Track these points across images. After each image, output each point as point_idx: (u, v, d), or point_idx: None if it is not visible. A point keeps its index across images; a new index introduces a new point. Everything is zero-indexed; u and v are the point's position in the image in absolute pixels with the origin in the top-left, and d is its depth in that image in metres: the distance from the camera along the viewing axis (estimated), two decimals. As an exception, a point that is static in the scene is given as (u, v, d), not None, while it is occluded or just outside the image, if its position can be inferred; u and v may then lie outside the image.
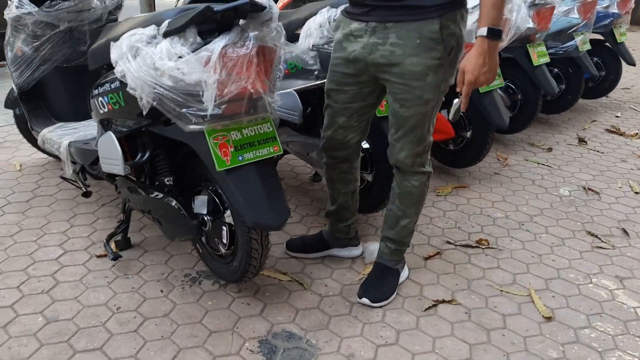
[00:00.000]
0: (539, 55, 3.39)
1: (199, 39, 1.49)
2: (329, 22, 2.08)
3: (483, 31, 1.44)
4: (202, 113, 1.49)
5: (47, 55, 2.36)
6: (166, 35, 1.47)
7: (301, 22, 2.24)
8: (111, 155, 1.71)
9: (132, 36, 1.53)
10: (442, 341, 1.77)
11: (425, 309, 1.92)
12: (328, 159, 1.96)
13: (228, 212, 1.78)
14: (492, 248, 2.36)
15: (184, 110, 1.50)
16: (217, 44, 1.42)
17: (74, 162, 2.22)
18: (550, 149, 3.66)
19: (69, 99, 2.52)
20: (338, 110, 1.79)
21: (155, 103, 1.52)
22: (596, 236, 2.50)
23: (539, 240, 2.45)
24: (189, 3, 2.81)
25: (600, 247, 2.40)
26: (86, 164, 2.05)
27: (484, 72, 1.47)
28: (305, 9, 2.30)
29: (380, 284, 1.95)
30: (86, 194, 2.20)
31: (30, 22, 2.30)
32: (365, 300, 1.90)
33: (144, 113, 1.55)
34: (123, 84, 1.61)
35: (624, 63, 4.49)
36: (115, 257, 2.02)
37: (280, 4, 3.26)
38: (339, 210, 2.06)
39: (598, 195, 2.96)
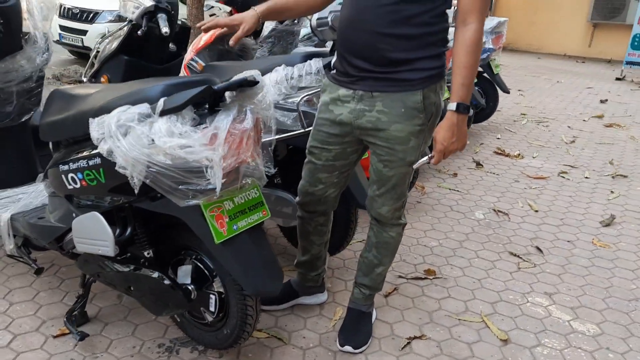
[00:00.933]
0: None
1: (194, 115, 1.48)
2: (287, 80, 2.14)
3: (452, 106, 1.61)
4: (202, 187, 1.48)
5: (-31, 117, 2.13)
6: (163, 114, 1.45)
7: (253, 78, 2.26)
8: (97, 236, 1.60)
9: (122, 114, 1.47)
10: (427, 378, 1.91)
11: (402, 348, 2.05)
12: (305, 213, 2.02)
13: (217, 280, 1.76)
14: (439, 278, 2.56)
15: (181, 186, 1.48)
16: (224, 121, 1.43)
17: (14, 236, 2.03)
18: (455, 174, 4.03)
19: (-6, 165, 2.29)
20: (320, 167, 1.87)
21: (148, 181, 1.48)
22: (518, 256, 2.82)
23: (474, 265, 2.71)
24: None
25: (524, 267, 2.72)
26: (45, 241, 1.88)
27: (453, 142, 1.63)
28: (254, 64, 2.33)
29: (358, 329, 2.05)
30: (38, 272, 2.00)
31: None
32: (348, 348, 1.98)
33: (136, 191, 1.50)
34: (105, 161, 1.54)
35: (499, 91, 5.08)
36: (83, 337, 1.87)
37: (202, 42, 3.23)
38: (312, 261, 2.12)
39: (507, 216, 3.34)
